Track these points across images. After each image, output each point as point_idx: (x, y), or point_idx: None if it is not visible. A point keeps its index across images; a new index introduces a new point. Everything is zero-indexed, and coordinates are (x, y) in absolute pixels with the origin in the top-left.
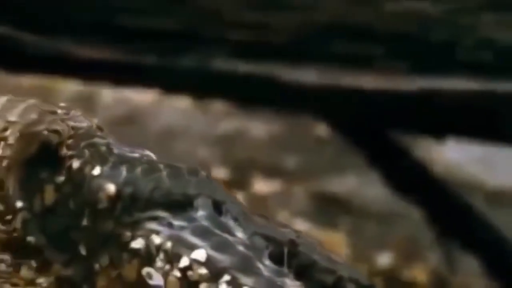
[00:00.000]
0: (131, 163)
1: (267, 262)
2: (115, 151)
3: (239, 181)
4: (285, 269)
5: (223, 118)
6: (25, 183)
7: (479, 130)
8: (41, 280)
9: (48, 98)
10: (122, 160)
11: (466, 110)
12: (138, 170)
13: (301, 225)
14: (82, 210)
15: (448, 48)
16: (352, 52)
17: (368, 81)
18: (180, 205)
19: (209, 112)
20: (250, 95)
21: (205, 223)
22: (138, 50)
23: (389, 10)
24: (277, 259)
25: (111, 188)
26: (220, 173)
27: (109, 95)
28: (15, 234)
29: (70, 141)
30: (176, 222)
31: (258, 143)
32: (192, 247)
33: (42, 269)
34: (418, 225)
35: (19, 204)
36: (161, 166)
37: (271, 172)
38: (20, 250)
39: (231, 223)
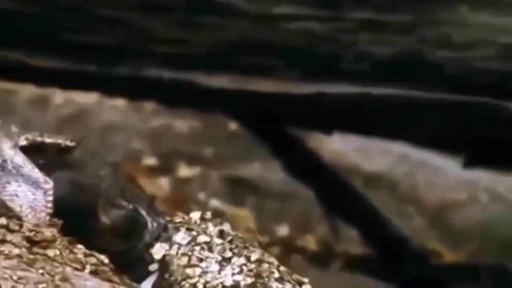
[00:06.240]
0: None
1: None
2: None
3: (166, 167)
4: None
5: (152, 116)
6: None
7: (358, 125)
8: None
9: (9, 98)
10: None
11: (347, 110)
12: None
13: (216, 203)
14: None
15: (333, 59)
16: (256, 63)
17: (269, 86)
18: None
19: (141, 111)
20: (174, 97)
21: None
22: (82, 60)
23: (285, 29)
24: None
25: None
26: (151, 161)
27: (59, 97)
28: None
29: None
30: None
31: (181, 137)
32: None
33: None
34: (310, 202)
35: None
36: None
37: (192, 160)
38: None
39: None
